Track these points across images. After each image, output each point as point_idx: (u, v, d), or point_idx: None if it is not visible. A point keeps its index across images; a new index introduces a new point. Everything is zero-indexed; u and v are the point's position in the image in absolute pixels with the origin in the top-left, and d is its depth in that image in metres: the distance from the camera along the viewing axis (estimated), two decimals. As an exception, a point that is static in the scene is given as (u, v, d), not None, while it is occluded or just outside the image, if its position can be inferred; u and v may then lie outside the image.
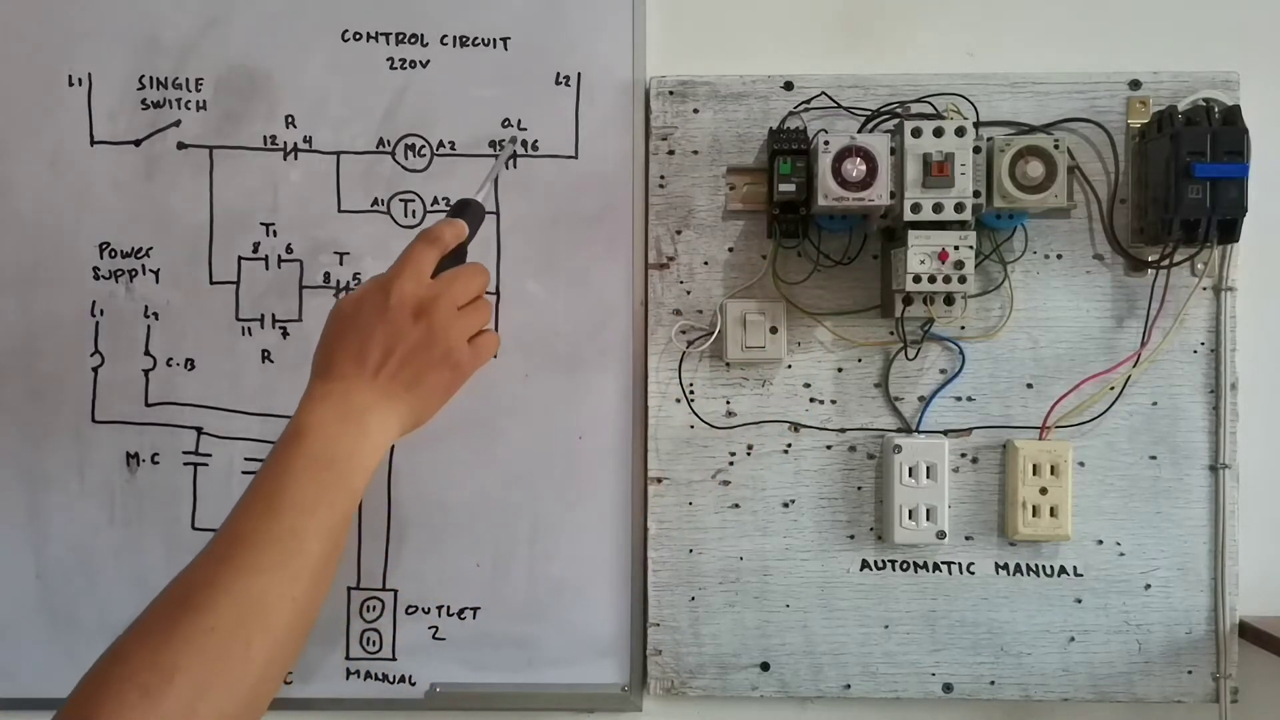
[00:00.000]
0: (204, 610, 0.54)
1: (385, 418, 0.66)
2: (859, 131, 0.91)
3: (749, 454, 0.95)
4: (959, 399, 0.94)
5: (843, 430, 0.95)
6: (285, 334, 0.96)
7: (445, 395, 0.70)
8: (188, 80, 0.96)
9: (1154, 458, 0.94)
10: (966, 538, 0.94)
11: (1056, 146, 0.86)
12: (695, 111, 0.95)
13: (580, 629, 0.96)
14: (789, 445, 0.95)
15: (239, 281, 0.96)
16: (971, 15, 0.97)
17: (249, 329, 0.96)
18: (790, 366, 0.95)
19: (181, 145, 0.96)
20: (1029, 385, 0.94)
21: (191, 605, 0.55)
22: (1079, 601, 0.94)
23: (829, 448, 0.95)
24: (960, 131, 0.84)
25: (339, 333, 0.68)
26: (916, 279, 0.84)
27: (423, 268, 0.69)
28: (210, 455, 0.97)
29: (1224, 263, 0.92)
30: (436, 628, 0.96)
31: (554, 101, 0.96)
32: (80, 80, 0.96)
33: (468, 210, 0.77)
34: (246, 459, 0.96)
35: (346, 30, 0.96)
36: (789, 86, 0.94)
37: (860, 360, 0.95)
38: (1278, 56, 0.95)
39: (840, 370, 0.95)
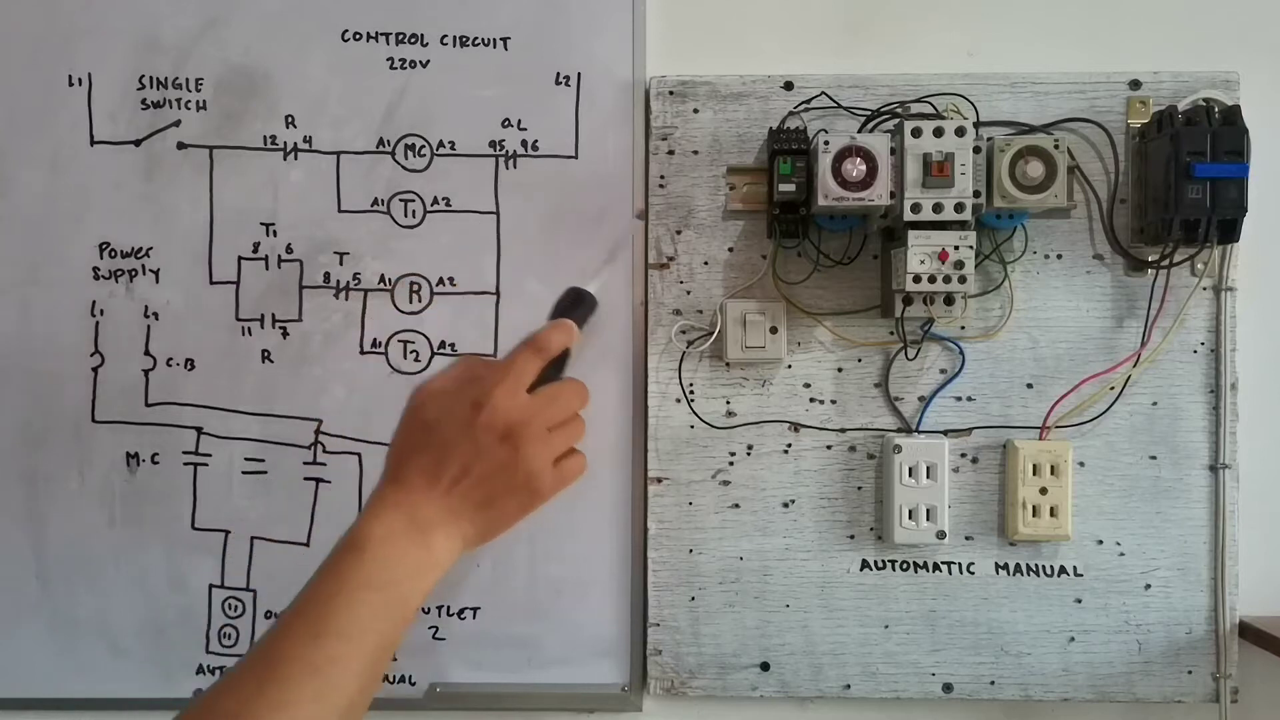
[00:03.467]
0: None
1: (451, 536, 0.63)
2: (859, 131, 0.91)
3: (749, 454, 0.95)
4: (959, 399, 0.94)
5: (843, 430, 0.95)
6: (285, 334, 0.96)
7: (517, 518, 0.65)
8: (188, 80, 0.96)
9: (1154, 458, 0.94)
10: (966, 538, 0.94)
11: (1056, 146, 0.86)
12: (695, 111, 0.95)
13: (580, 629, 0.96)
14: (789, 445, 0.95)
15: (239, 281, 0.96)
16: (971, 15, 0.97)
17: (249, 329, 0.96)
18: (790, 366, 0.95)
19: (181, 145, 0.96)
20: (1029, 385, 0.94)
21: None
22: (1079, 601, 0.94)
23: (829, 448, 0.95)
24: (960, 131, 0.84)
25: (419, 438, 0.63)
26: (916, 279, 0.84)
27: (522, 382, 0.64)
28: (210, 455, 0.97)
29: (1224, 263, 0.92)
30: (436, 628, 0.97)
31: (554, 101, 0.96)
32: (80, 80, 0.96)
33: (580, 305, 0.70)
34: (246, 459, 0.96)
35: (346, 30, 0.96)
36: (789, 86, 0.94)
37: (860, 360, 0.95)
38: (1278, 56, 0.95)
39: (840, 370, 0.95)
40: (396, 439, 0.65)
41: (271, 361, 0.96)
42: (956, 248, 0.84)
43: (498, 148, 0.96)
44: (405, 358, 0.96)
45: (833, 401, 0.95)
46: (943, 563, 0.95)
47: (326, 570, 0.59)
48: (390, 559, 0.60)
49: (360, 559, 0.59)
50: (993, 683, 0.94)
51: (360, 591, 0.58)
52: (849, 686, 0.95)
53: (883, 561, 0.95)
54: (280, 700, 0.53)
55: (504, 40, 0.96)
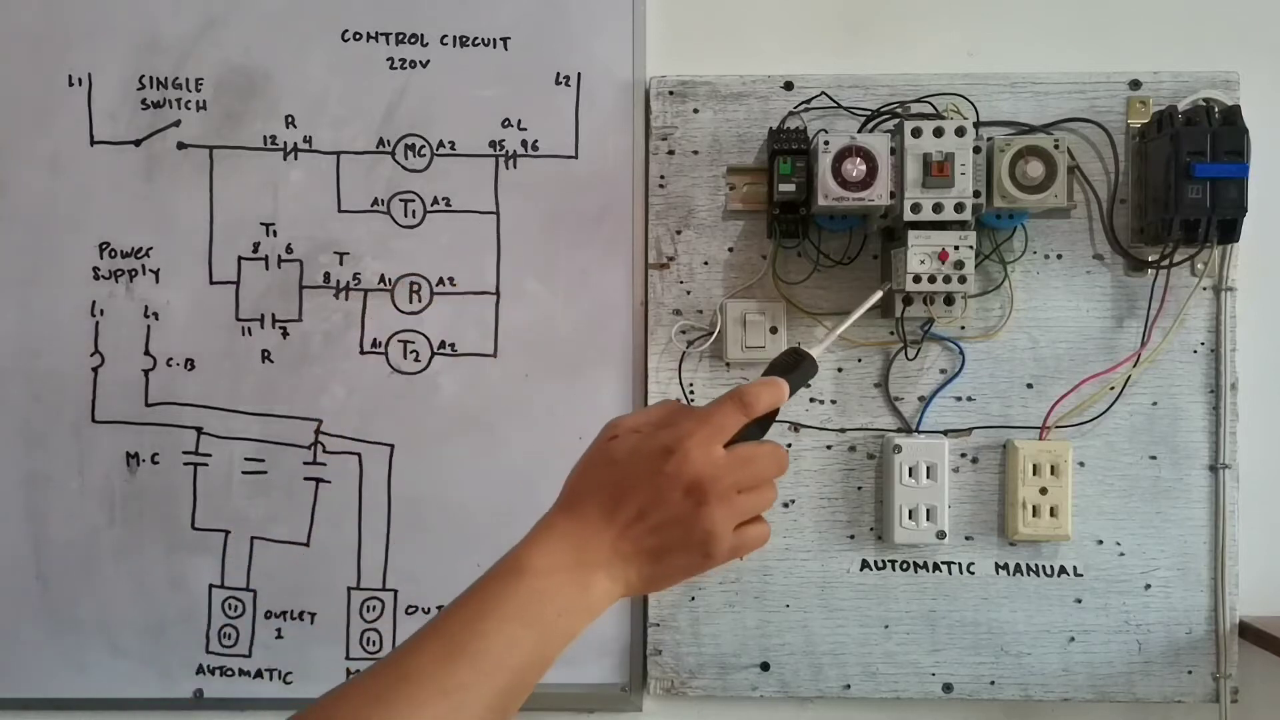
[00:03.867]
0: None
1: (614, 579, 0.59)
2: (859, 131, 0.91)
3: (749, 454, 0.95)
4: (959, 399, 0.94)
5: (843, 430, 0.95)
6: (285, 334, 0.96)
7: (684, 577, 0.61)
8: (188, 80, 0.96)
9: (1154, 458, 0.94)
10: (966, 538, 0.94)
11: (1056, 146, 0.86)
12: (695, 111, 0.95)
13: (580, 629, 0.96)
14: (789, 445, 0.95)
15: (239, 281, 0.96)
16: (971, 15, 0.97)
17: (249, 329, 0.96)
18: (790, 366, 0.95)
19: (181, 145, 0.96)
20: (1029, 385, 0.94)
21: None
22: (1079, 601, 0.94)
23: (829, 448, 0.95)
24: (960, 131, 0.84)
25: (602, 472, 0.61)
26: (916, 279, 0.84)
27: (719, 436, 0.60)
28: (210, 455, 0.97)
29: (1224, 263, 0.92)
30: (436, 628, 0.96)
31: (554, 101, 0.96)
32: (80, 80, 0.96)
33: (798, 368, 0.67)
34: (246, 459, 0.96)
35: (346, 30, 0.96)
36: (789, 86, 0.94)
37: (860, 360, 0.95)
38: (1278, 56, 0.96)
39: (840, 370, 0.95)
40: (578, 468, 0.62)
41: (271, 361, 0.96)
42: (956, 248, 0.84)
43: (498, 148, 0.96)
44: (405, 358, 0.96)
45: (833, 401, 0.95)
46: (943, 563, 0.94)
47: (479, 589, 0.57)
48: (545, 594, 0.57)
49: (515, 587, 0.57)
50: (993, 683, 0.94)
51: (507, 623, 0.56)
52: (849, 686, 0.95)
53: (883, 561, 0.95)
54: (402, 716, 0.52)
55: (504, 40, 0.96)
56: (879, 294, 0.77)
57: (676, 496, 0.59)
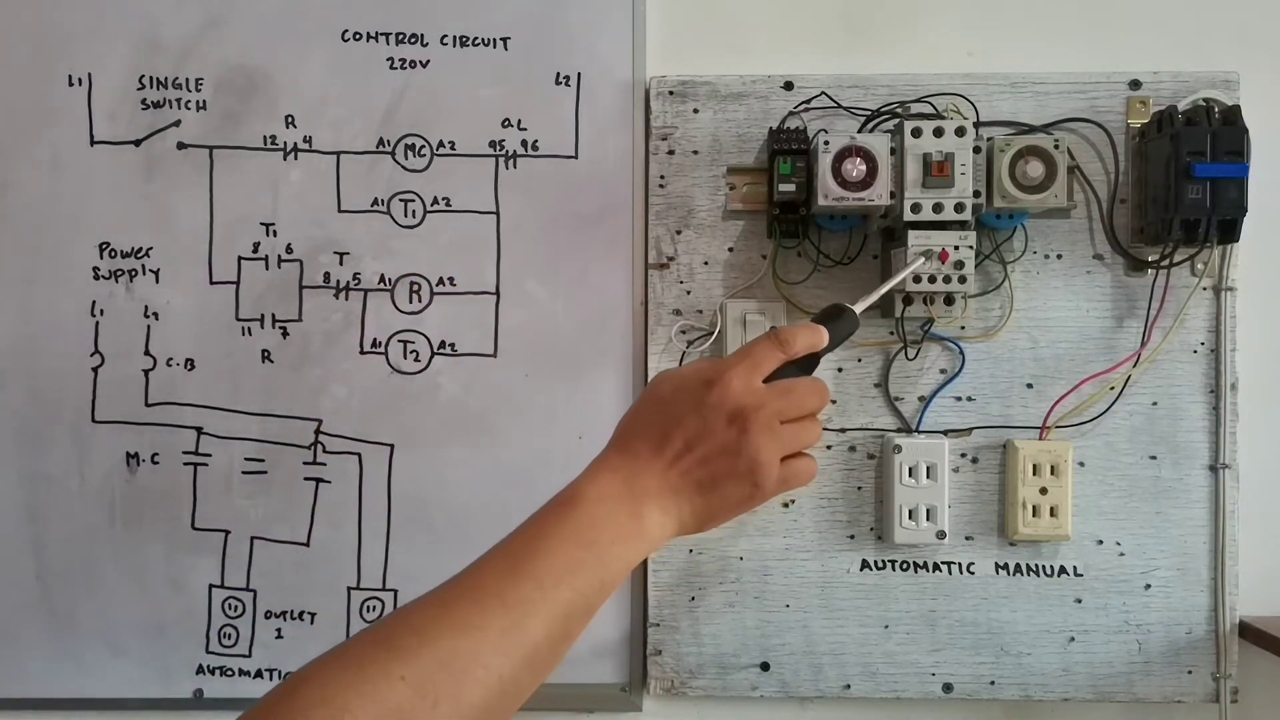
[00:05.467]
0: (402, 656, 0.51)
1: (666, 512, 0.61)
2: (859, 131, 0.91)
3: (749, 454, 0.95)
4: (959, 399, 0.94)
5: (843, 430, 0.95)
6: (285, 334, 0.96)
7: (736, 510, 0.63)
8: (188, 80, 0.96)
9: (1154, 458, 0.94)
10: (966, 538, 0.94)
11: (1056, 146, 0.86)
12: (695, 111, 0.95)
13: (580, 629, 0.96)
14: (789, 445, 0.95)
15: (239, 281, 0.97)
16: (971, 15, 0.97)
17: (249, 329, 0.96)
18: (790, 366, 0.95)
19: (181, 145, 0.96)
20: (1029, 385, 0.94)
21: (391, 646, 0.51)
22: (1079, 601, 0.94)
23: (829, 448, 0.95)
24: (960, 131, 0.84)
25: (650, 410, 0.64)
26: (916, 279, 0.84)
27: (758, 370, 0.63)
28: (210, 455, 0.97)
29: (1224, 263, 0.92)
30: (436, 628, 0.96)
31: (554, 101, 0.96)
32: (80, 80, 0.96)
33: (838, 319, 0.70)
34: (246, 459, 0.96)
35: (346, 30, 0.96)
36: (789, 86, 0.94)
37: (860, 360, 0.95)
38: (1278, 56, 0.95)
39: (840, 370, 0.95)
40: (627, 413, 0.65)
41: (271, 361, 0.96)
42: (956, 248, 0.84)
43: (498, 148, 0.96)
44: (405, 358, 0.96)
45: (833, 401, 0.95)
46: (943, 563, 0.95)
47: (534, 521, 0.59)
48: (599, 519, 0.59)
49: (569, 514, 0.59)
50: (993, 683, 0.94)
51: (563, 545, 0.57)
52: (849, 686, 0.95)
53: (883, 561, 0.95)
54: (466, 622, 0.53)
55: (504, 40, 0.96)
56: (921, 260, 0.81)
57: (720, 425, 0.61)
